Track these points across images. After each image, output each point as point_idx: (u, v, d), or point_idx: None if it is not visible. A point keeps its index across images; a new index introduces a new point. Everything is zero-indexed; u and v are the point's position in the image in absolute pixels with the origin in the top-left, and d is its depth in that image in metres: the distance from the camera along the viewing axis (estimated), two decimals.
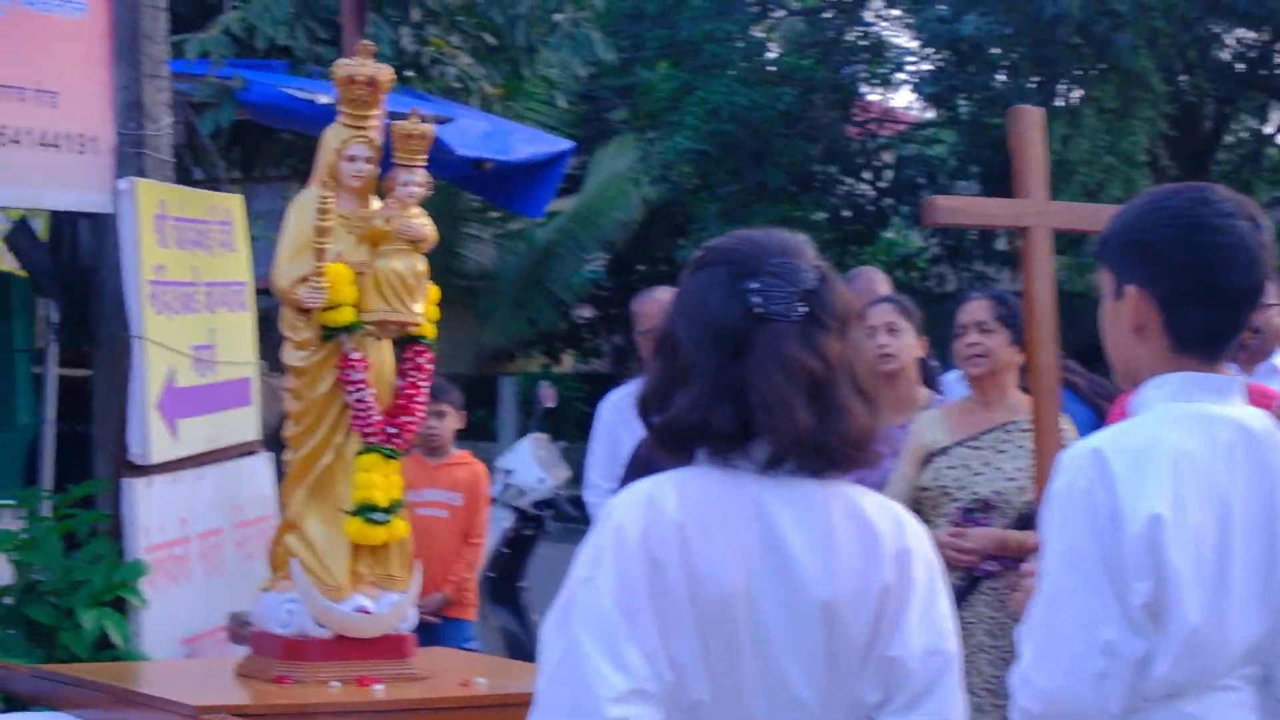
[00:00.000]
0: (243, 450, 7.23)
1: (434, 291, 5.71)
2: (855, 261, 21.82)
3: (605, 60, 11.64)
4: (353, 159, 5.56)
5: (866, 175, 23.80)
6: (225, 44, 9.55)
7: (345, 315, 5.53)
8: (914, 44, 22.98)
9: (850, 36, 23.34)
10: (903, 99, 27.54)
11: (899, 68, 22.82)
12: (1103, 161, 18.11)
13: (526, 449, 10.28)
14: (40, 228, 7.55)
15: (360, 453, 5.59)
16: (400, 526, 5.60)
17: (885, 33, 24.08)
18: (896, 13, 23.67)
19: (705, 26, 21.95)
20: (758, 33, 23.42)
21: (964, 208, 3.63)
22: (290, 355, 5.54)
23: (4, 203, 6.91)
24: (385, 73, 5.52)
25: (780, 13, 24.54)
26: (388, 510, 5.54)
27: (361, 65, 5.49)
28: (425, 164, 5.60)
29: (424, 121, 5.57)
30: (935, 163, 22.57)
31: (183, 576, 6.65)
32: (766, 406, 2.70)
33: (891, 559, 2.77)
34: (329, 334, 5.54)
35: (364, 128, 5.55)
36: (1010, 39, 18.28)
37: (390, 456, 5.60)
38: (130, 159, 6.93)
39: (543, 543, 10.36)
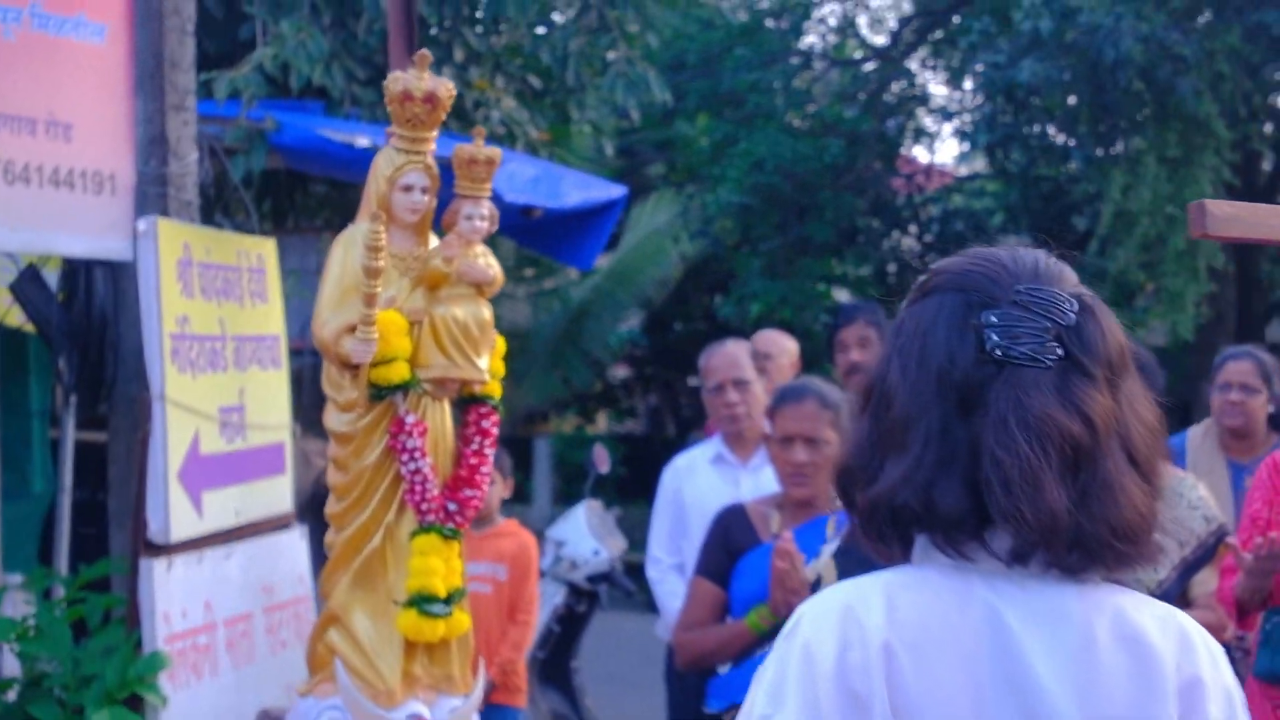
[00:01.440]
0: (275, 524, 6.48)
1: (500, 344, 4.93)
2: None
3: (661, 100, 10.90)
4: (408, 189, 4.79)
5: (912, 229, 23.22)
6: (258, 82, 8.84)
7: (399, 371, 4.75)
8: (958, 94, 22.50)
9: (894, 88, 22.88)
10: (947, 151, 27.09)
11: (948, 117, 22.22)
12: (1165, 211, 17.47)
13: (580, 518, 9.49)
14: (52, 276, 6.81)
15: (415, 533, 4.80)
16: (461, 620, 4.81)
17: (930, 84, 23.65)
18: (941, 61, 23.20)
19: (749, 77, 21.46)
20: (800, 84, 22.88)
21: (1240, 215, 2.86)
22: (334, 419, 4.75)
23: (11, 248, 6.19)
24: (445, 87, 4.75)
25: (823, 63, 24.08)
26: (447, 601, 4.74)
27: (419, 79, 4.71)
28: (490, 194, 4.83)
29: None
30: (982, 215, 21.94)
31: (207, 669, 5.87)
32: (1007, 482, 2.02)
33: (1177, 694, 2.07)
34: (379, 393, 4.76)
35: (421, 151, 4.78)
36: (1067, 85, 17.60)
37: (450, 537, 4.82)
38: (152, 199, 6.25)
39: (597, 614, 9.61)
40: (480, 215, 4.84)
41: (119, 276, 6.34)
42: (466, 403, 4.97)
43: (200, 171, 6.66)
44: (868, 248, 22.77)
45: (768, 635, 4.88)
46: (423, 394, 4.82)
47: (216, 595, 6.00)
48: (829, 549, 5.00)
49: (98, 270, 6.37)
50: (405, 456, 4.74)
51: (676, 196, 23.39)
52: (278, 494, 6.53)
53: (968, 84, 21.70)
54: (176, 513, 5.74)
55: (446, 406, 4.95)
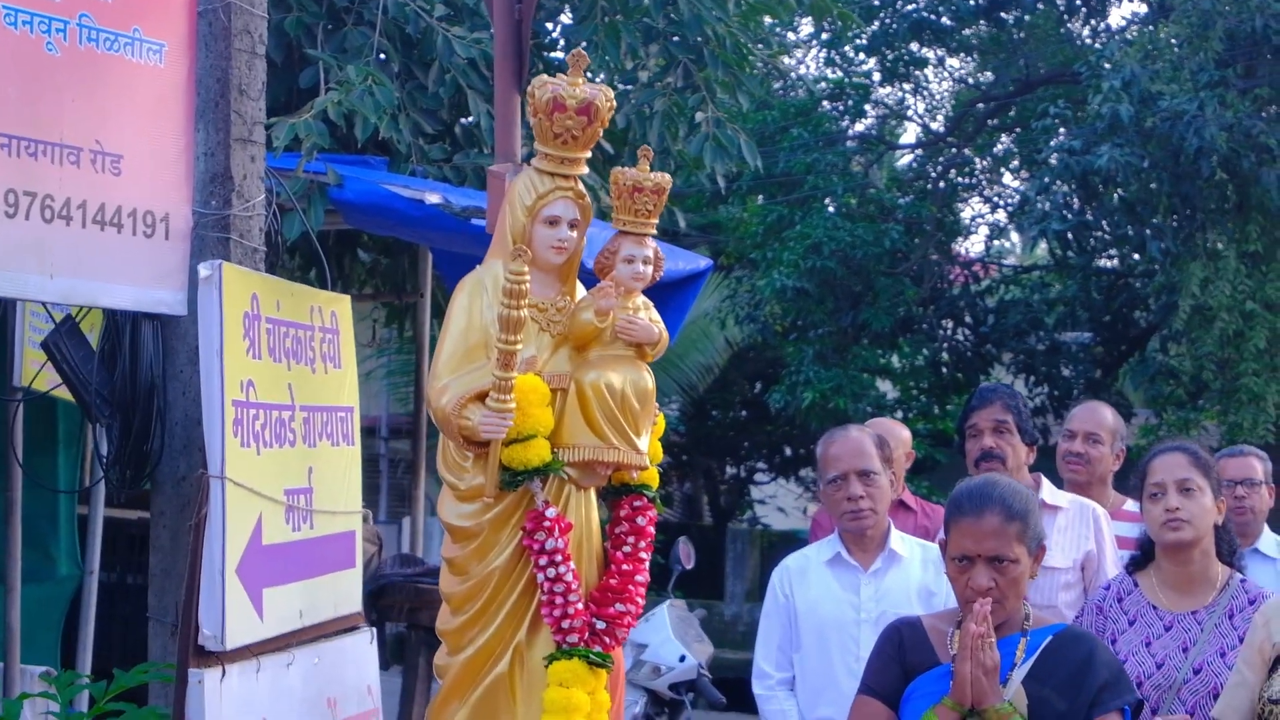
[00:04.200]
0: (342, 626, 5.59)
1: (661, 422, 4.01)
2: (950, 412, 20.74)
3: (753, 166, 10.03)
4: (553, 222, 3.90)
5: (968, 320, 22.63)
6: (320, 131, 7.99)
7: (537, 452, 3.83)
8: (1018, 182, 22.02)
9: (953, 174, 22.41)
10: (1006, 240, 26.49)
11: (1022, 205, 21.62)
12: (1244, 308, 16.88)
13: (663, 619, 8.61)
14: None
15: (553, 658, 3.87)
16: None
17: (989, 173, 23.18)
18: (1004, 148, 22.67)
19: (805, 159, 20.90)
20: (857, 167, 22.32)
21: None
22: (451, 510, 3.84)
23: (47, 298, 5.31)
24: (605, 96, 3.85)
25: (881, 147, 23.57)
26: None
27: (573, 84, 3.81)
28: (656, 232, 3.92)
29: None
30: (1039, 309, 21.28)
31: None
32: None
33: None
34: (513, 480, 3.82)
35: (570, 176, 3.86)
36: (1146, 174, 16.98)
37: (597, 664, 3.88)
38: (211, 245, 5.44)
39: None
40: (644, 257, 3.94)
41: (168, 335, 5.49)
42: (618, 493, 4.05)
43: (268, 220, 5.82)
44: (922, 338, 22.19)
45: None
46: (566, 480, 3.91)
47: (276, 710, 5.13)
48: (1019, 674, 4.36)
49: (145, 326, 5.52)
50: (543, 560, 3.83)
51: (724, 281, 22.84)
52: (346, 591, 5.66)
53: (1024, 175, 21.17)
54: (234, 614, 4.86)
55: (593, 497, 4.03)
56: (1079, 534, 6.68)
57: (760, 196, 23.00)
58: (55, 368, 5.64)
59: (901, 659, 4.56)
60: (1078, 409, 7.47)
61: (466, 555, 3.85)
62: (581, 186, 3.94)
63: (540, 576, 3.83)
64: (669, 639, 8.48)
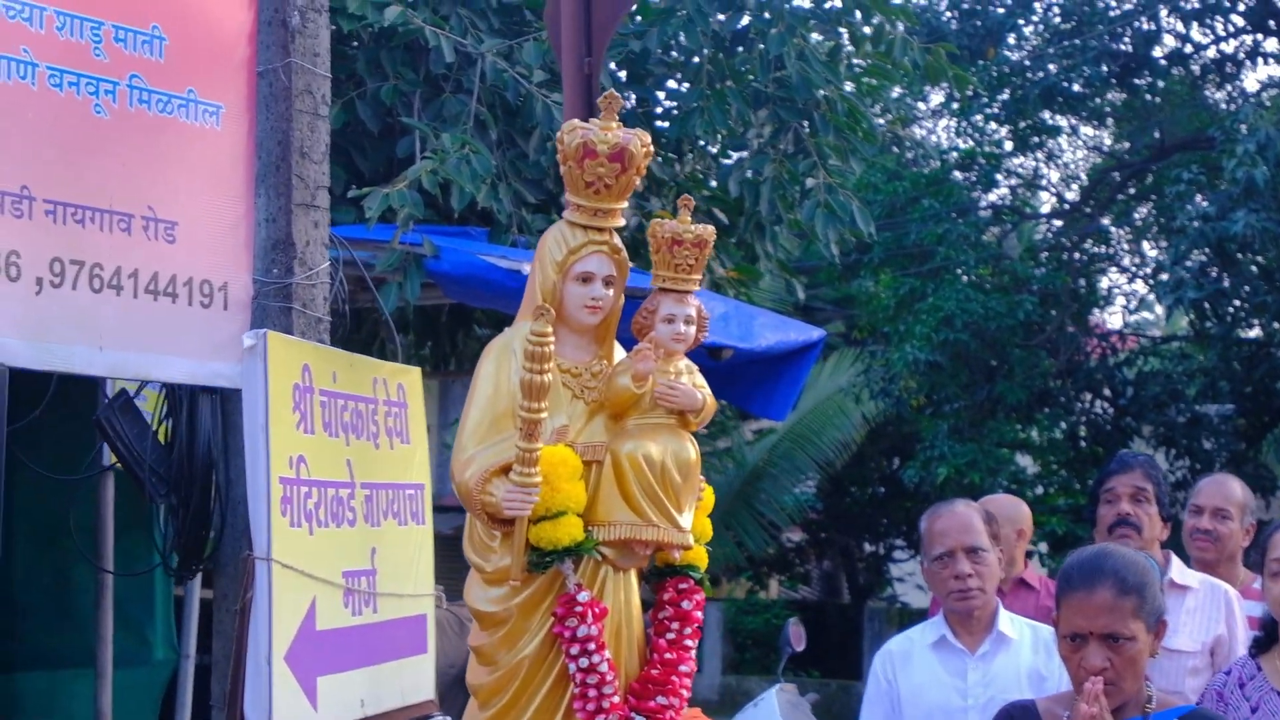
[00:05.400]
0: (412, 715, 5.32)
1: (708, 497, 3.70)
2: (1085, 485, 20.28)
3: (866, 234, 9.71)
4: (586, 279, 3.61)
5: (1105, 392, 22.13)
6: (415, 202, 7.80)
7: (569, 530, 3.53)
8: (1155, 251, 21.57)
9: (1088, 244, 21.99)
10: (1144, 310, 25.98)
11: (1156, 273, 21.17)
12: None
13: (772, 705, 8.28)
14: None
15: None
16: None
17: (1126, 240, 22.76)
18: (1140, 217, 22.24)
19: (936, 229, 20.58)
20: (989, 238, 21.95)
21: None
22: (478, 594, 3.54)
23: (97, 372, 5.09)
24: (640, 141, 3.56)
25: (1013, 217, 23.20)
26: None
27: (605, 129, 3.52)
28: (699, 287, 3.62)
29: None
30: (1179, 380, 20.69)
31: None
32: None
33: None
34: (542, 561, 3.53)
35: (605, 228, 3.58)
36: None
37: None
38: (273, 315, 5.22)
39: None
40: (685, 316, 3.65)
41: (229, 409, 5.26)
42: (661, 575, 3.75)
43: (334, 289, 5.58)
44: (1059, 411, 21.71)
45: None
46: (601, 562, 3.62)
47: None
48: None
49: (203, 400, 5.29)
50: (575, 649, 3.54)
51: (857, 356, 22.65)
52: (417, 678, 5.39)
53: (1163, 243, 20.74)
54: (283, 704, 4.60)
55: (634, 580, 3.73)
56: (1209, 616, 6.30)
57: (891, 270, 22.71)
58: (109, 445, 5.44)
59: None
60: (1204, 483, 7.07)
61: (494, 643, 3.55)
62: (617, 240, 3.66)
63: (572, 667, 3.52)
64: None
